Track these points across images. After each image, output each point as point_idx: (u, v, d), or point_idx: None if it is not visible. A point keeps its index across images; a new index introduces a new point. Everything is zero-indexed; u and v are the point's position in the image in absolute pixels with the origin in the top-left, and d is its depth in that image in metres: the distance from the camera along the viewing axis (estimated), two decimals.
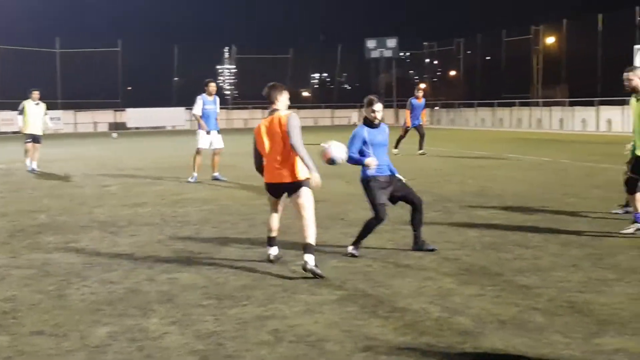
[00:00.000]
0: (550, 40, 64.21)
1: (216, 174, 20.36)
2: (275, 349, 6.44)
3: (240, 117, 67.99)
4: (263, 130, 9.66)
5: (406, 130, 29.87)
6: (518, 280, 8.69)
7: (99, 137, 50.00)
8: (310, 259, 9.03)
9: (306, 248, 9.14)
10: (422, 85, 31.02)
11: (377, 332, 6.78)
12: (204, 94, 19.96)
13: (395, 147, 28.35)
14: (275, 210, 9.96)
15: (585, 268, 9.23)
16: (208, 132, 20.02)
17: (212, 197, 16.55)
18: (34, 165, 24.20)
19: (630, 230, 11.30)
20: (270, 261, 9.87)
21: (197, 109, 20.01)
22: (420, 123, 30.15)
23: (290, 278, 8.96)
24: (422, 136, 29.65)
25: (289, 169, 9.50)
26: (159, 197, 16.70)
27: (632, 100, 11.51)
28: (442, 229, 12.08)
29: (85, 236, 11.92)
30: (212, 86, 20.13)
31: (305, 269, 8.99)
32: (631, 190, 11.44)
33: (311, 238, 9.24)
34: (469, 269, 9.29)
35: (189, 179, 19.86)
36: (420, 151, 29.01)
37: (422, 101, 30.54)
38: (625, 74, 11.35)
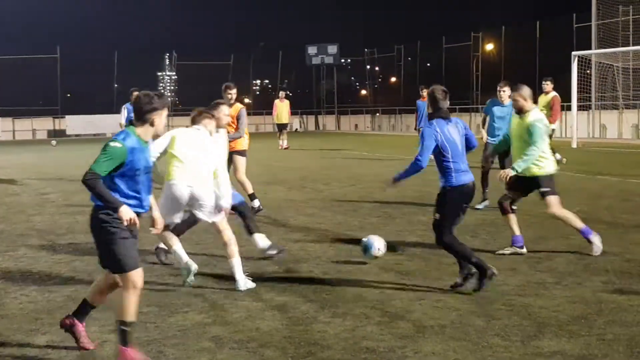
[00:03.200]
0: (489, 47, 64.82)
1: None
2: (216, 355, 6.43)
3: (181, 124, 66.70)
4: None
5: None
6: None
7: (37, 144, 49.33)
8: None
9: None
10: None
11: (318, 337, 6.80)
12: (128, 103, 20.69)
13: None
14: None
15: (523, 271, 9.35)
16: None
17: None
18: None
19: (507, 252, 10.63)
20: (256, 212, 13.62)
21: (122, 118, 21.07)
22: None
23: (232, 285, 8.93)
24: None
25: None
26: None
27: (515, 118, 10.97)
28: (382, 234, 12.04)
29: (23, 245, 11.77)
30: (134, 95, 20.29)
31: None
32: (504, 211, 10.78)
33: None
34: (409, 274, 9.36)
35: None
36: None
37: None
38: (511, 92, 11.13)
